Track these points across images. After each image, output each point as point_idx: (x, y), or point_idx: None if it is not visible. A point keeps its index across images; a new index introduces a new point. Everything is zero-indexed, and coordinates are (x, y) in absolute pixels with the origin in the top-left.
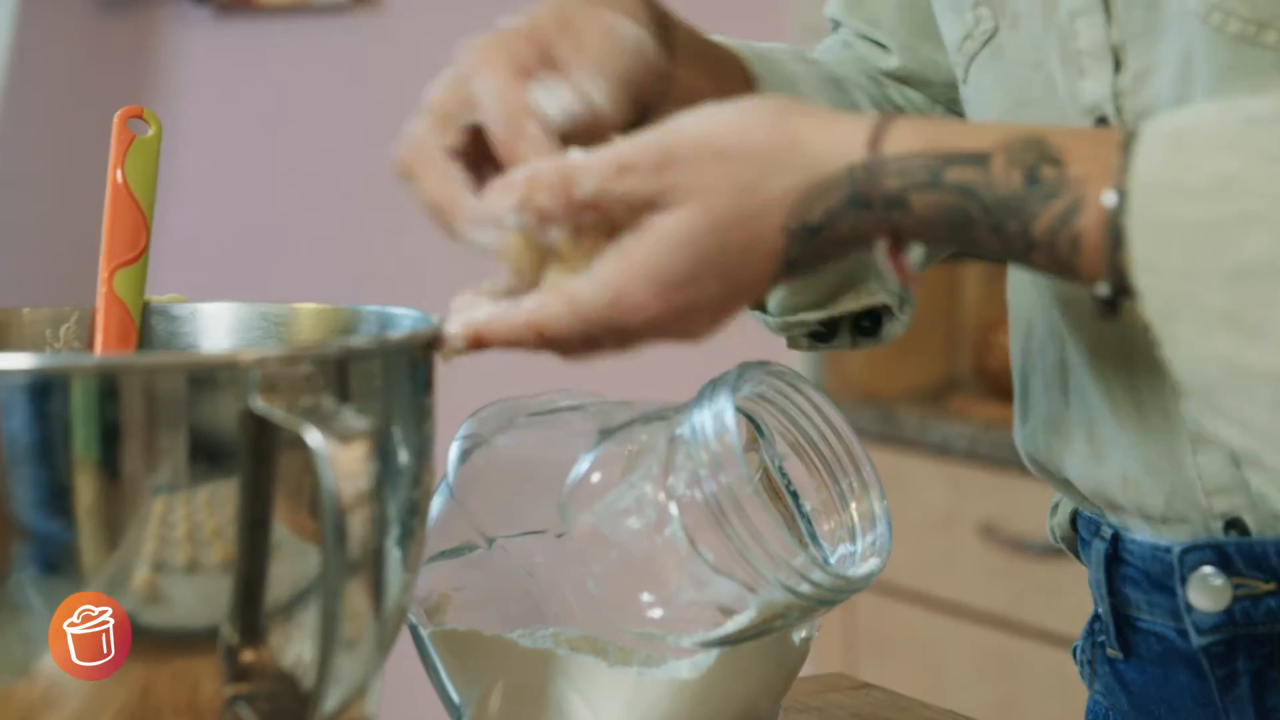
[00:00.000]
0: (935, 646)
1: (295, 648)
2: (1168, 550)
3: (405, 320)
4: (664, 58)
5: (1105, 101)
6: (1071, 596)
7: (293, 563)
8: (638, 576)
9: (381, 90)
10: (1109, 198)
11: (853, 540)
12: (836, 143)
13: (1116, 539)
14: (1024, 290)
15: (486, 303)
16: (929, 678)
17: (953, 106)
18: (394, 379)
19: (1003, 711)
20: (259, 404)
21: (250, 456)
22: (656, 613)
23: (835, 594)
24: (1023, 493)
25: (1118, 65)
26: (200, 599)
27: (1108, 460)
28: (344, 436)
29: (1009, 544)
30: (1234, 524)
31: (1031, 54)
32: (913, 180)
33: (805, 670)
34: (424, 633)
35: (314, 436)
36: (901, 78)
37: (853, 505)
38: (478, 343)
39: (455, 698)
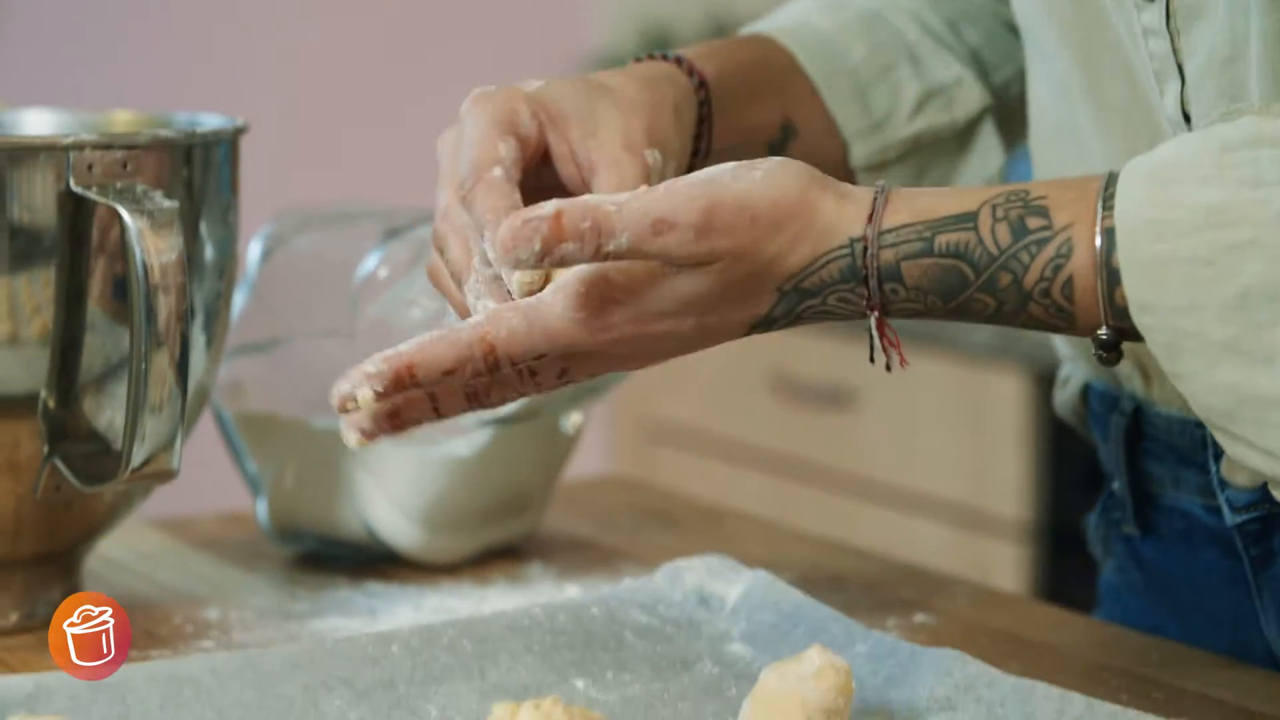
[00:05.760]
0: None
1: (106, 413)
2: (1199, 425)
3: (212, 122)
4: (686, 149)
5: (1158, 25)
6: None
7: (105, 338)
8: None
9: None
10: (1098, 239)
11: None
12: (843, 218)
13: (1138, 412)
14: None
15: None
16: None
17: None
18: (201, 171)
19: None
20: (76, 185)
21: (68, 236)
22: None
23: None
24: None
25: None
26: (21, 367)
27: None
28: (154, 216)
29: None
30: None
31: None
32: (906, 251)
33: None
34: (226, 414)
35: (127, 214)
36: None
37: None
38: (400, 381)
39: (255, 474)
